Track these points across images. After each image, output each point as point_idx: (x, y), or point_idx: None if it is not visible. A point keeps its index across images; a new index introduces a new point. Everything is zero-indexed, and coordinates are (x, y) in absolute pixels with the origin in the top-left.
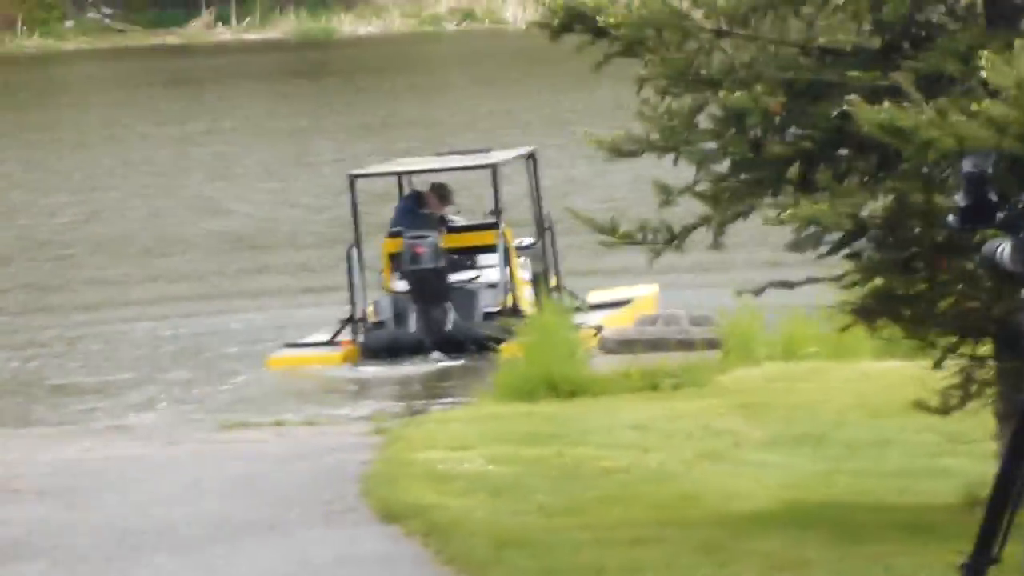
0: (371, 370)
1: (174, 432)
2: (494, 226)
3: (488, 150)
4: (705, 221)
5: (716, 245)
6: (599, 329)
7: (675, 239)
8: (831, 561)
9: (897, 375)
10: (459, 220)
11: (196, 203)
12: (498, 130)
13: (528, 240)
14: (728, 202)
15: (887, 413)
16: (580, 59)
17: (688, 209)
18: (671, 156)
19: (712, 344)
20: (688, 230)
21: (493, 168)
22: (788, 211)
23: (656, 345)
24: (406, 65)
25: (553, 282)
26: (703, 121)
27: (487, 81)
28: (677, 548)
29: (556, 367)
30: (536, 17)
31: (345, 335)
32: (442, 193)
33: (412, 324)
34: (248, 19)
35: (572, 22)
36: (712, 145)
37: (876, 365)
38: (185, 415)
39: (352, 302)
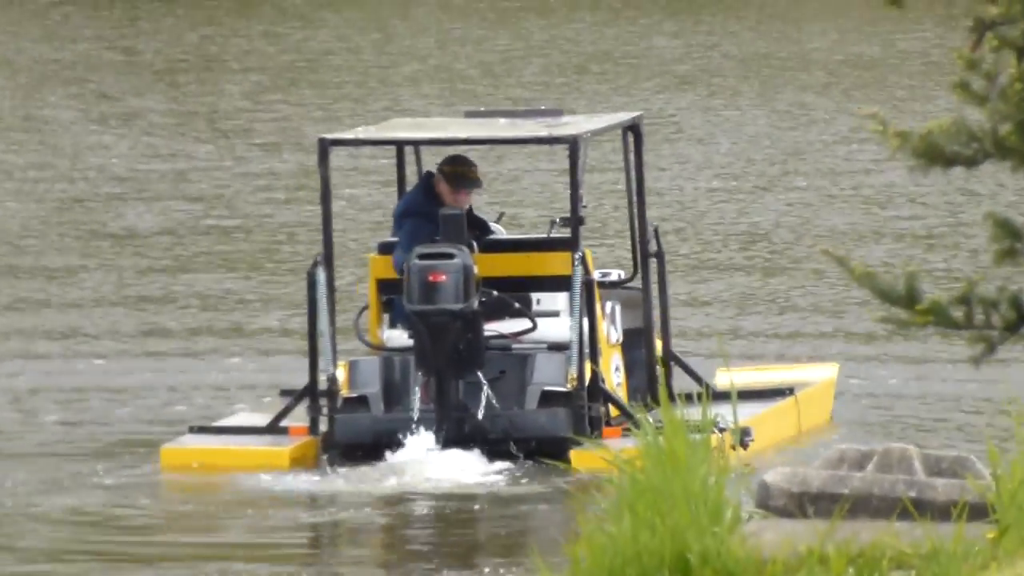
0: (340, 484)
1: None
2: (566, 244)
3: (559, 112)
4: None
5: None
6: (744, 438)
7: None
8: None
9: None
10: (502, 231)
11: None
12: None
13: (617, 273)
14: None
15: None
16: None
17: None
18: None
19: (971, 510)
20: None
21: (572, 142)
22: None
23: (865, 505)
24: None
25: (659, 347)
26: None
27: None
28: None
29: (691, 533)
30: None
31: (298, 418)
32: (463, 172)
33: (415, 404)
34: None
35: None
36: None
37: None
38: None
39: (313, 362)
